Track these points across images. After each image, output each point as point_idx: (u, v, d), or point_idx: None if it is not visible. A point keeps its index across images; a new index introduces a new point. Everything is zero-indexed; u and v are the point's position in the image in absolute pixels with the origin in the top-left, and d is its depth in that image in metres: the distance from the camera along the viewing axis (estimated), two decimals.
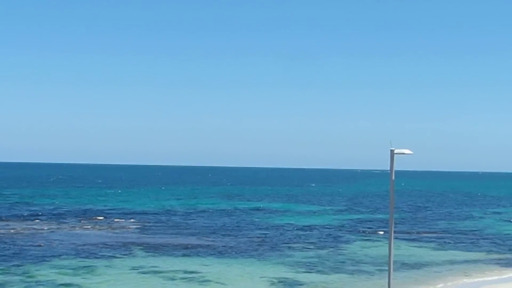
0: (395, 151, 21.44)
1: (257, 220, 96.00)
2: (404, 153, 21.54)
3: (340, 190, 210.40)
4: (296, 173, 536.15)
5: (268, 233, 78.40)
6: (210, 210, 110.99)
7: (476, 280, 50.46)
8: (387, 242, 21.23)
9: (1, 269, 49.52)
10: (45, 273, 48.65)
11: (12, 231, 74.45)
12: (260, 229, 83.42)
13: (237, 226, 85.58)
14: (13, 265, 51.39)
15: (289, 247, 66.60)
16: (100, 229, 78.58)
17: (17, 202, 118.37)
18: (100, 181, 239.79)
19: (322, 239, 73.67)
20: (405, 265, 55.85)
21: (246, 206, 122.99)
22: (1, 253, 57.70)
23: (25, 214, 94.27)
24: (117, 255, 58.32)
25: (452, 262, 59.40)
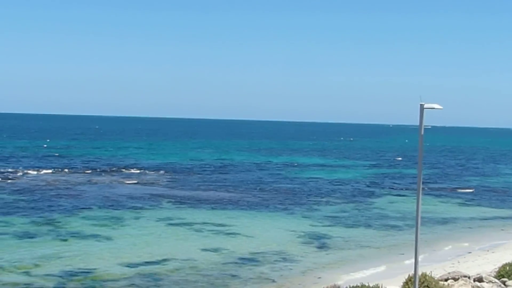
0: (425, 106, 21.07)
1: (285, 174, 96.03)
2: (433, 108, 21.16)
3: (370, 145, 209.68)
4: (327, 127, 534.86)
5: (296, 187, 78.41)
6: (240, 164, 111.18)
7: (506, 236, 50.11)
8: (416, 198, 20.97)
9: (31, 220, 50.04)
10: (74, 224, 49.10)
11: (43, 182, 75.15)
12: (288, 183, 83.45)
13: (265, 180, 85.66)
14: (43, 216, 51.89)
15: (317, 201, 66.58)
16: (129, 181, 79.05)
17: (48, 154, 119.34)
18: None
19: (350, 194, 73.55)
20: (433, 221, 55.60)
21: (276, 160, 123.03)
22: (32, 204, 58.31)
23: (56, 166, 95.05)
24: (146, 207, 58.69)
25: (481, 219, 59.07)
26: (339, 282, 30.48)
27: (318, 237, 47.56)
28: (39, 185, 71.99)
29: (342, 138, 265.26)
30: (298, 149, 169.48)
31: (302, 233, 48.50)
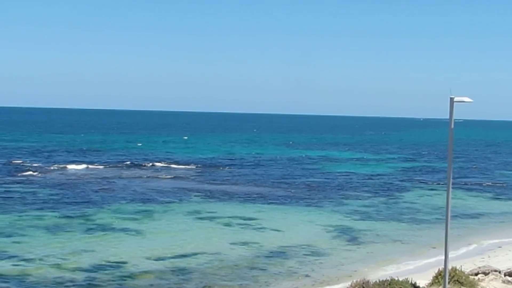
0: (455, 99, 20.92)
1: (316, 168, 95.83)
2: (464, 101, 21.02)
3: (400, 138, 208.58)
4: (357, 121, 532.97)
5: (326, 181, 78.23)
6: (270, 158, 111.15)
7: None
8: (445, 192, 20.83)
9: (62, 213, 50.42)
10: (104, 217, 49.40)
11: (74, 176, 75.74)
12: (318, 177, 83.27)
13: (295, 174, 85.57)
14: (74, 210, 52.25)
15: (347, 196, 66.39)
16: (159, 175, 79.39)
17: (81, 148, 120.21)
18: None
19: (381, 188, 73.25)
20: (463, 215, 55.23)
21: (306, 154, 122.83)
22: (63, 197, 58.77)
23: (89, 160, 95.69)
24: (175, 201, 58.90)
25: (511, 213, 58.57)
26: (371, 277, 30.35)
27: (348, 231, 47.42)
28: (71, 179, 72.53)
29: (372, 132, 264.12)
30: (328, 143, 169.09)
31: (332, 227, 48.39)
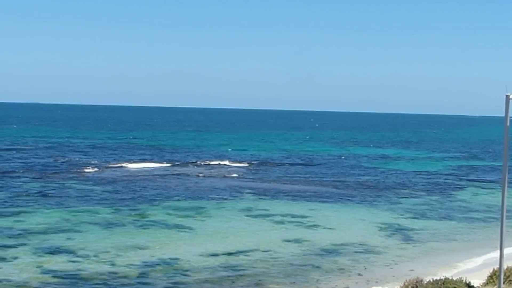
0: (511, 96, 20.54)
1: (368, 165, 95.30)
2: None
3: (455, 136, 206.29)
4: (411, 118, 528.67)
5: (378, 179, 77.73)
6: (321, 156, 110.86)
7: None
8: (501, 190, 20.47)
9: (116, 209, 50.96)
10: (157, 214, 49.76)
11: (128, 173, 76.49)
12: (370, 175, 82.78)
13: (347, 172, 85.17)
14: (128, 206, 52.78)
15: (400, 194, 65.88)
16: (212, 173, 79.74)
17: (134, 146, 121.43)
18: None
19: (434, 186, 72.50)
20: None
21: (358, 152, 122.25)
22: (117, 194, 59.38)
23: (141, 158, 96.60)
24: (228, 198, 59.08)
25: None
26: (425, 276, 30.03)
27: (402, 229, 47.03)
28: (125, 176, 73.28)
29: (426, 130, 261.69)
30: (380, 140, 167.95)
31: (386, 226, 48.03)
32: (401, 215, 53.31)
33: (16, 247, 37.59)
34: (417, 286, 25.77)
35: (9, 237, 40.04)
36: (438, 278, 25.88)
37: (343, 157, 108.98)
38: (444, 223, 50.23)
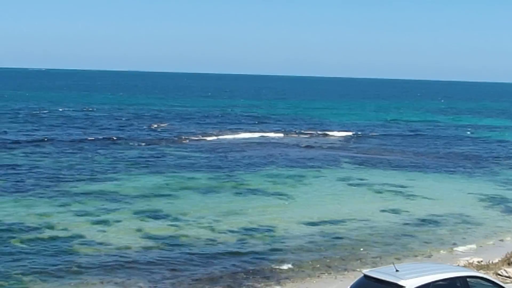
0: None
1: (467, 136, 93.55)
2: None
3: None
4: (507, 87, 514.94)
5: (479, 149, 76.18)
6: (421, 126, 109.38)
7: None
8: None
9: (214, 176, 51.52)
10: (255, 181, 50.04)
11: (227, 142, 77.19)
12: (471, 145, 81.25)
13: (446, 143, 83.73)
14: (226, 173, 53.30)
15: (502, 164, 64.44)
16: (311, 142, 79.69)
17: (235, 114, 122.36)
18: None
19: None
20: None
21: (459, 122, 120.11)
22: (216, 162, 60.03)
23: (239, 127, 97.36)
24: (326, 167, 58.96)
25: None
26: None
27: (503, 201, 46.04)
28: (224, 144, 74.03)
29: None
30: (481, 110, 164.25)
31: (485, 197, 47.11)
32: (503, 185, 52.20)
33: (118, 211, 38.56)
34: None
35: (111, 201, 41.06)
36: None
37: (441, 126, 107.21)
38: None
